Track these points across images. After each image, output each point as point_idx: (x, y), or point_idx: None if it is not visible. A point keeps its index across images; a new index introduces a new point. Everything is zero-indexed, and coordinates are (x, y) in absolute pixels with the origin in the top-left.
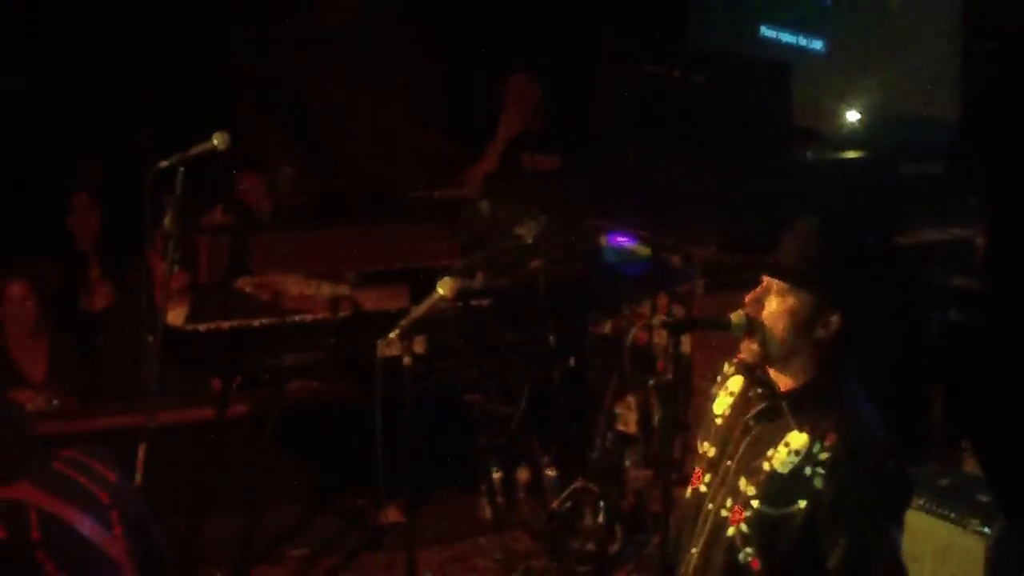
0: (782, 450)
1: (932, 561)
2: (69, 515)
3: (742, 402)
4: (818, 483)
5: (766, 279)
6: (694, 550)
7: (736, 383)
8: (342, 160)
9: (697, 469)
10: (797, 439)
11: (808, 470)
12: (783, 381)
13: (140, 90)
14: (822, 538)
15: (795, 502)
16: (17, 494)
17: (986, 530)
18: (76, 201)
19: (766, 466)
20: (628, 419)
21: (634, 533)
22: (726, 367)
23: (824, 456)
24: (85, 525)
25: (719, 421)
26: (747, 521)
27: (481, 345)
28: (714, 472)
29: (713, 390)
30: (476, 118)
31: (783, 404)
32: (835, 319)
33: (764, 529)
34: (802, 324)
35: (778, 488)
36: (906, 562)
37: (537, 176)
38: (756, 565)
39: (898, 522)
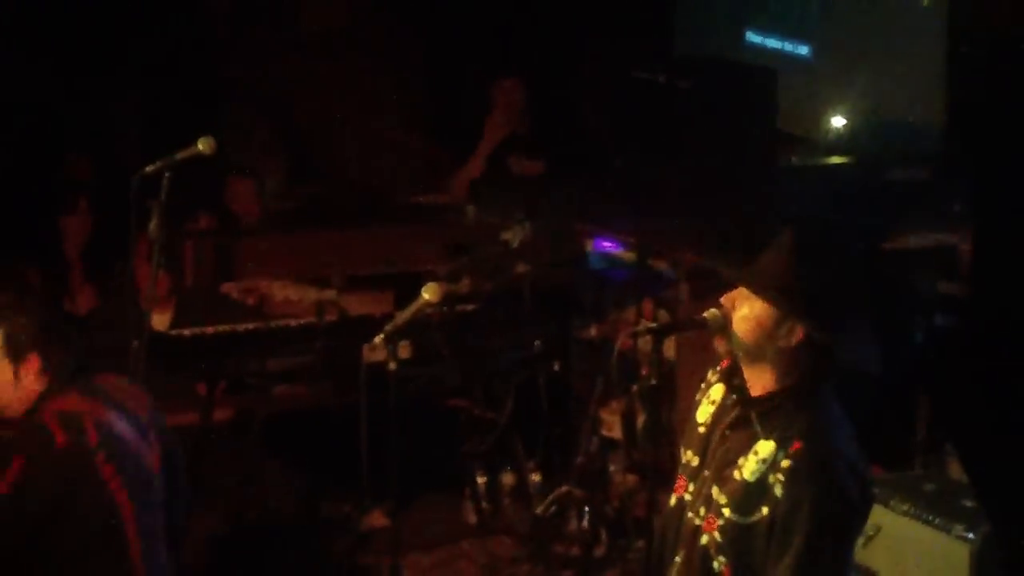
0: (751, 459)
1: (917, 566)
2: (116, 423)
3: (721, 410)
4: (778, 491)
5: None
6: (677, 558)
7: (718, 391)
8: (328, 165)
9: (681, 477)
10: (765, 447)
11: (771, 478)
12: (755, 385)
13: (126, 94)
14: (773, 548)
15: (760, 510)
16: (70, 405)
17: (971, 536)
18: (79, 205)
19: (736, 475)
20: (612, 424)
21: (619, 537)
22: (710, 375)
23: (786, 464)
24: (128, 433)
25: (701, 430)
26: (719, 529)
27: (466, 350)
28: (695, 481)
29: (697, 397)
30: (463, 123)
31: (751, 412)
32: (798, 330)
33: (735, 538)
34: (766, 331)
35: (746, 496)
36: (891, 568)
37: (523, 181)
38: (728, 573)
39: (850, 541)
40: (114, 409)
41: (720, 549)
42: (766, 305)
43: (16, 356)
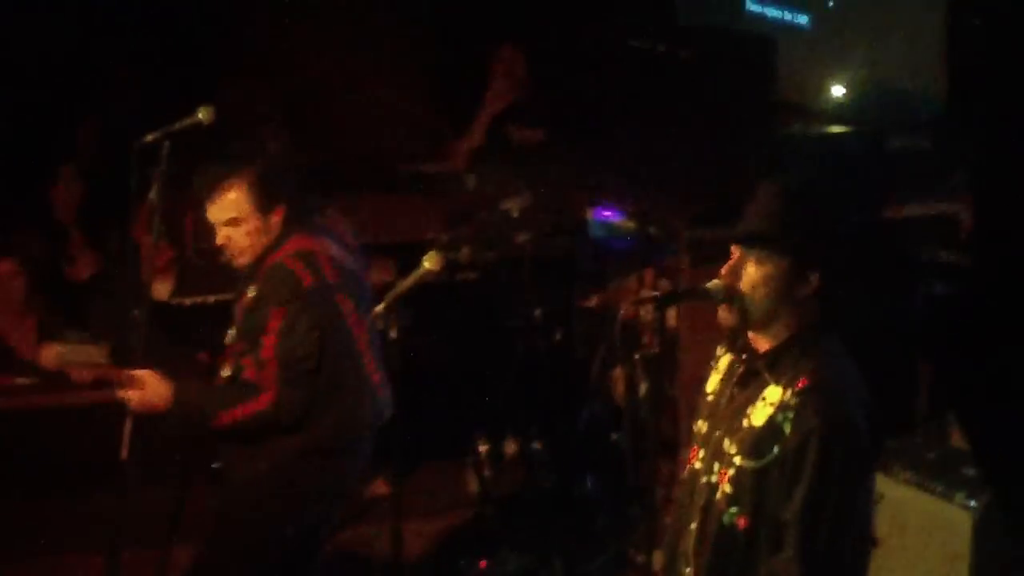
0: (759, 405)
1: (918, 534)
2: (343, 257)
3: (728, 375)
4: (786, 428)
5: (737, 250)
6: (692, 525)
7: (725, 361)
8: (329, 133)
9: (693, 448)
10: (773, 392)
11: (780, 417)
12: (763, 342)
13: (126, 62)
14: (784, 485)
15: (771, 451)
16: (304, 245)
17: (973, 503)
18: (64, 173)
19: (745, 423)
20: (614, 392)
21: (620, 505)
22: (719, 350)
23: (793, 401)
24: (352, 263)
25: (710, 398)
26: (731, 480)
27: (467, 319)
28: (707, 446)
29: (709, 370)
30: (464, 91)
31: (760, 364)
32: (814, 278)
33: (747, 485)
34: (783, 287)
35: (756, 440)
36: (892, 536)
37: (523, 150)
38: (742, 524)
39: (861, 475)
40: (336, 243)
41: (732, 500)
42: (775, 262)
43: (266, 208)
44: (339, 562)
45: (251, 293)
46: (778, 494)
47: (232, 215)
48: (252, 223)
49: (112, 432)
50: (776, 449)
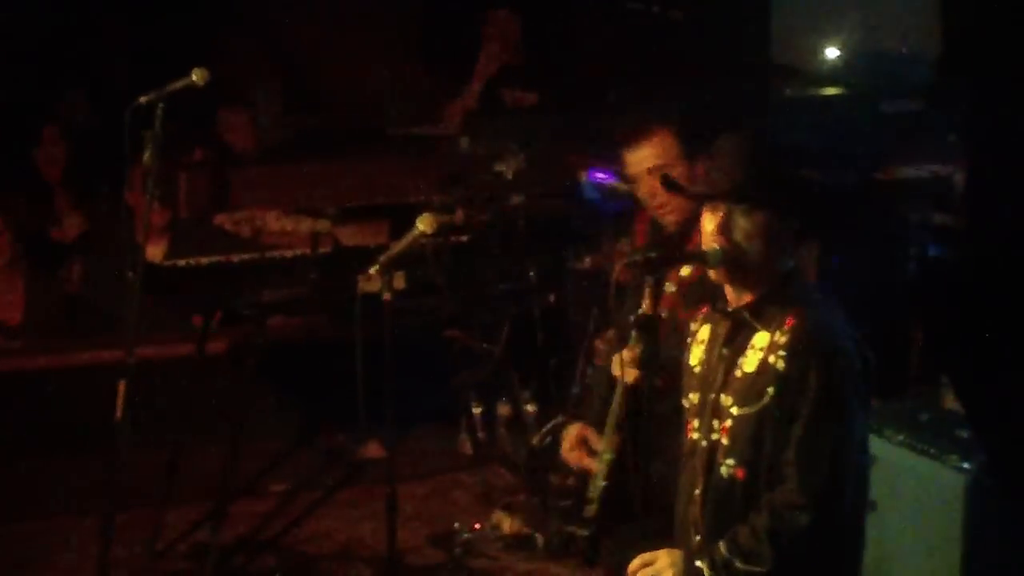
0: (750, 354)
1: (911, 497)
2: None
3: (712, 341)
4: (780, 366)
5: (718, 208)
6: (696, 491)
7: (705, 332)
8: (323, 96)
9: (688, 422)
10: (762, 338)
11: (772, 358)
12: (745, 298)
13: (120, 24)
14: (781, 422)
15: (765, 392)
16: None
17: (966, 466)
18: (45, 134)
19: (739, 374)
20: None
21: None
22: (693, 324)
23: (783, 340)
24: None
25: (697, 369)
26: (728, 433)
27: (461, 281)
28: (702, 415)
29: (688, 340)
30: (458, 53)
31: (745, 315)
32: (795, 223)
33: (744, 433)
34: (774, 234)
35: (750, 386)
36: (885, 498)
37: (517, 112)
38: (740, 475)
39: (859, 406)
40: None
41: (729, 451)
42: (762, 212)
43: (691, 155)
44: (331, 525)
45: None
46: (776, 437)
47: (657, 162)
48: (679, 171)
49: (105, 394)
50: (771, 390)
